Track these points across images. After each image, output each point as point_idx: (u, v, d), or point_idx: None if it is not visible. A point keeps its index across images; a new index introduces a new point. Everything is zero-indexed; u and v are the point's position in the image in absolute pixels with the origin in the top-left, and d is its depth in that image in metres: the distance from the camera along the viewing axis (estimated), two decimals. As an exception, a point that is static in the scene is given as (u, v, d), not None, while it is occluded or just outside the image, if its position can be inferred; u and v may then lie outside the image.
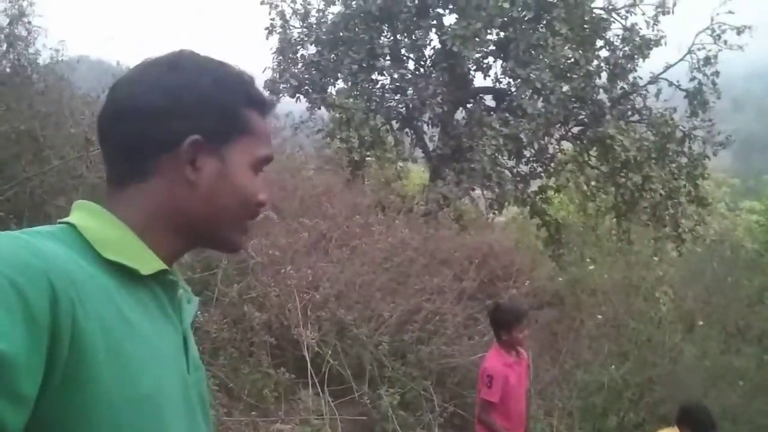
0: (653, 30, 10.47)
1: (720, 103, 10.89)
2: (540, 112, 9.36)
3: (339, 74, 10.47)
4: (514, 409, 3.64)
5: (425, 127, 11.20)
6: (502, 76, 10.65)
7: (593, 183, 11.23)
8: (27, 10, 5.75)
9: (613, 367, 6.52)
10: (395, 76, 10.27)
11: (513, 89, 10.29)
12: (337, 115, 9.30)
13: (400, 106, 10.64)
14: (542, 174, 10.94)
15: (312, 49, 10.83)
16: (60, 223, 0.76)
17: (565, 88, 9.49)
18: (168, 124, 0.79)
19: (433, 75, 10.38)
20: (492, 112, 10.23)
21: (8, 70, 5.60)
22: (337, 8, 10.61)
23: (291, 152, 7.98)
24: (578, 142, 10.97)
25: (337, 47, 10.40)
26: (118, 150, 0.81)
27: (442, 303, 5.64)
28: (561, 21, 9.52)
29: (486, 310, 5.42)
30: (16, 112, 4.91)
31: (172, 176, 0.79)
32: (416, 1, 10.06)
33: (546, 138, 10.28)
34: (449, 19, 10.19)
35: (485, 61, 10.74)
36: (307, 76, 10.69)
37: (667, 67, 10.81)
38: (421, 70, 10.76)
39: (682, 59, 10.67)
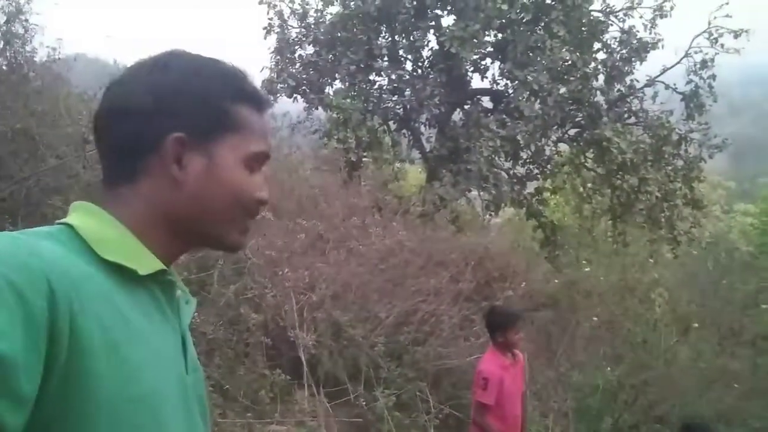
0: (651, 33, 10.51)
1: (716, 106, 10.91)
2: (537, 114, 9.37)
3: (336, 75, 10.46)
4: (510, 412, 3.64)
5: (422, 128, 11.20)
6: (500, 77, 10.65)
7: (589, 185, 11.26)
8: (24, 8, 5.74)
9: (608, 369, 6.54)
10: (393, 77, 10.26)
11: (510, 91, 10.29)
12: (335, 115, 9.30)
13: (397, 107, 10.64)
14: (539, 176, 10.95)
15: (310, 50, 10.82)
16: (58, 223, 0.76)
17: (563, 90, 9.50)
18: (150, 123, 0.78)
19: (430, 76, 10.38)
20: (489, 114, 10.23)
21: (4, 67, 5.57)
22: (335, 8, 10.60)
23: (288, 152, 7.97)
24: (575, 144, 10.99)
25: (335, 48, 10.39)
26: (111, 150, 0.81)
27: (438, 304, 5.63)
28: (559, 23, 9.54)
29: (482, 311, 5.43)
30: (12, 111, 4.89)
31: (159, 175, 0.79)
32: (414, 3, 10.06)
33: (543, 140, 10.29)
34: (447, 21, 10.21)
35: (483, 62, 10.74)
36: (304, 76, 10.67)
37: (664, 70, 10.84)
38: (419, 71, 10.76)
39: (678, 62, 10.70)
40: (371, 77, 10.63)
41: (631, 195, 10.01)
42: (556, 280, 8.53)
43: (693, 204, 10.45)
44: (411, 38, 10.46)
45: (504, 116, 9.80)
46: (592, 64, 10.17)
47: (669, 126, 10.13)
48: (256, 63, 10.96)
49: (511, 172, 10.72)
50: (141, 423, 0.69)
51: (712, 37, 10.46)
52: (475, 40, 9.32)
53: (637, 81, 10.67)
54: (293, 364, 4.61)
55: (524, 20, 9.89)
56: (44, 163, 4.77)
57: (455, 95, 10.45)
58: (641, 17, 10.59)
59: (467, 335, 5.81)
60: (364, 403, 4.57)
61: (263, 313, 4.62)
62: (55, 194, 4.62)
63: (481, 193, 10.18)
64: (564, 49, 9.38)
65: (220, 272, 4.64)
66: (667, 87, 10.79)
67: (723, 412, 6.40)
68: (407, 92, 10.31)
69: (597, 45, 10.54)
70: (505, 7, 9.26)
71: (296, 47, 10.86)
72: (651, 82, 10.78)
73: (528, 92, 9.46)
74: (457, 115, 10.82)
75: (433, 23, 10.36)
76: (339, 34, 10.30)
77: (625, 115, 10.60)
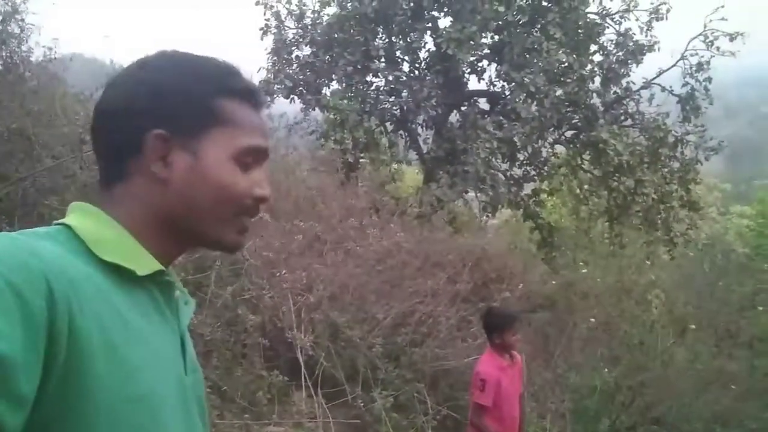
0: (647, 35, 10.55)
1: (712, 108, 10.96)
2: (534, 116, 9.38)
3: (333, 75, 10.45)
4: (507, 413, 3.64)
5: (419, 130, 11.21)
6: (497, 79, 10.68)
7: (586, 187, 11.28)
8: (20, 7, 5.73)
9: (605, 370, 6.55)
10: (390, 78, 10.26)
11: (507, 93, 10.31)
12: (332, 116, 9.29)
13: (394, 108, 10.64)
14: (535, 177, 10.97)
15: (307, 50, 10.81)
16: (56, 224, 0.76)
17: (559, 92, 9.52)
18: (131, 122, 0.78)
19: (427, 77, 10.38)
20: (486, 116, 10.24)
21: (0, 67, 5.55)
22: (332, 9, 10.60)
23: (285, 153, 7.97)
24: (571, 146, 11.01)
25: (332, 48, 10.39)
26: (103, 151, 0.81)
27: (435, 305, 5.63)
28: (555, 25, 9.56)
29: (479, 313, 5.42)
30: (8, 110, 4.87)
31: (146, 174, 0.78)
32: (411, 4, 10.07)
33: (539, 141, 10.31)
34: (444, 22, 10.22)
35: (480, 64, 10.76)
36: (301, 77, 10.67)
37: (660, 73, 10.88)
38: (416, 72, 10.76)
39: (675, 65, 10.74)
40: (368, 78, 10.63)
41: (627, 197, 10.05)
42: (553, 282, 8.54)
43: (689, 206, 10.48)
44: (408, 40, 10.46)
45: (501, 118, 9.81)
46: (589, 67, 10.20)
47: (665, 128, 10.17)
48: (253, 64, 10.95)
49: (508, 173, 10.73)
50: (140, 423, 0.68)
51: (707, 40, 10.50)
52: (471, 42, 9.33)
53: (634, 83, 10.70)
54: (291, 366, 4.61)
55: (521, 22, 9.91)
56: (40, 164, 4.75)
57: (452, 97, 10.46)
58: (637, 20, 10.65)
59: (465, 336, 5.81)
60: (361, 404, 4.56)
61: (261, 315, 4.61)
62: (52, 195, 4.61)
63: (478, 194, 10.18)
64: (560, 52, 9.41)
65: (218, 273, 4.63)
66: (663, 89, 10.82)
67: (720, 413, 6.42)
68: (404, 93, 10.31)
69: (593, 47, 10.57)
70: (501, 9, 9.28)
71: (293, 48, 10.86)
72: (647, 85, 10.81)
73: (525, 94, 9.47)
74: (453, 117, 10.83)
75: (430, 25, 10.37)
76: (336, 35, 10.30)
77: (622, 117, 10.63)
